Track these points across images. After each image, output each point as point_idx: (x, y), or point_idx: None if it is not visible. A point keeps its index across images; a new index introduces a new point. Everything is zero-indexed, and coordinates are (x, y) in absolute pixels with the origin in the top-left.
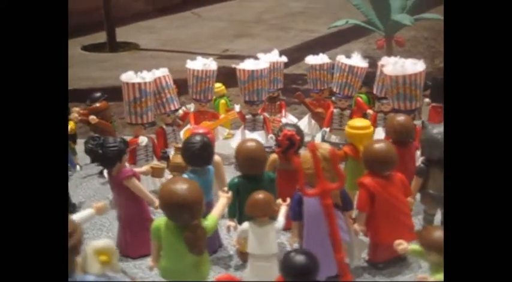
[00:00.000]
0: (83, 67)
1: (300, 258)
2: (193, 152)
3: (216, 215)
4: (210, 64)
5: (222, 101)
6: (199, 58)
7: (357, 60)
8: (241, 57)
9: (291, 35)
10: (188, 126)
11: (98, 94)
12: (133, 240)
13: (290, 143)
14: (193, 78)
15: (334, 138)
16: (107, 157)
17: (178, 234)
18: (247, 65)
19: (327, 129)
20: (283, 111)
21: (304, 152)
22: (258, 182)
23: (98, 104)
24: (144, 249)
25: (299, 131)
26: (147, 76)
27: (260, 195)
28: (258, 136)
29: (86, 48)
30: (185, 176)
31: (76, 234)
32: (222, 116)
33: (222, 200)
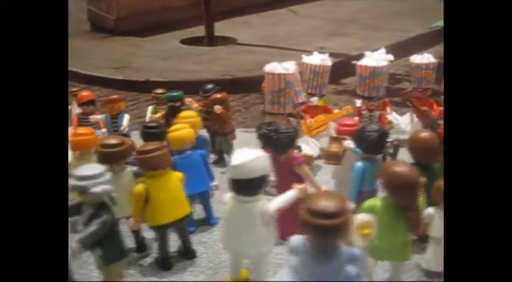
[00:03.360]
0: (180, 60)
1: None
2: (372, 140)
3: (421, 197)
4: (327, 60)
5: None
6: (315, 53)
7: None
8: (336, 55)
9: (384, 35)
10: None
11: (211, 86)
12: (295, 223)
13: None
14: (310, 73)
15: None
16: (281, 143)
17: (396, 214)
18: (368, 61)
19: None
20: (388, 108)
21: None
22: (429, 171)
23: (218, 95)
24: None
25: None
26: (290, 67)
27: None
28: None
29: (184, 41)
30: (360, 163)
31: (346, 214)
32: (336, 111)
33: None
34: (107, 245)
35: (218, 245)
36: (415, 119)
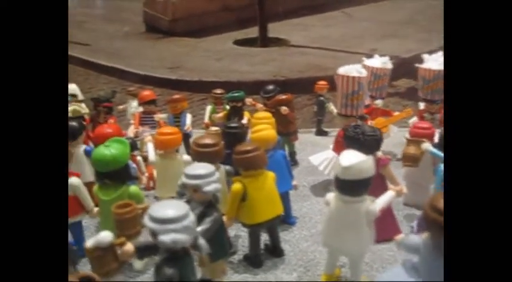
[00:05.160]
0: (233, 61)
1: None
2: None
3: None
4: (388, 63)
5: None
6: (376, 56)
7: None
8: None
9: (436, 37)
10: None
11: (271, 87)
12: (379, 223)
13: None
14: (371, 75)
15: None
16: (368, 144)
17: None
18: (432, 64)
19: None
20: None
21: None
22: None
23: (283, 96)
24: (389, 233)
25: None
26: (362, 70)
27: None
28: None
29: (237, 42)
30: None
31: None
32: (396, 113)
33: None
34: (215, 242)
35: (303, 244)
36: None
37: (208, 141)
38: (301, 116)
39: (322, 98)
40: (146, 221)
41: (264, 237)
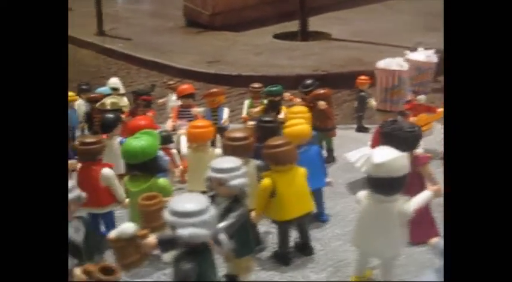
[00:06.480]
0: (273, 55)
1: None
2: None
3: None
4: (432, 56)
5: None
6: (420, 49)
7: None
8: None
9: None
10: None
11: (310, 81)
12: (416, 225)
13: None
14: (415, 70)
15: None
16: (406, 141)
17: None
18: None
19: None
20: None
21: None
22: None
23: (321, 90)
24: (426, 235)
25: None
26: (403, 63)
27: None
28: None
29: (277, 36)
30: None
31: None
32: (440, 109)
33: None
34: (239, 239)
35: (334, 243)
36: None
37: (238, 134)
38: (341, 111)
39: (363, 94)
40: (166, 214)
41: (295, 235)
